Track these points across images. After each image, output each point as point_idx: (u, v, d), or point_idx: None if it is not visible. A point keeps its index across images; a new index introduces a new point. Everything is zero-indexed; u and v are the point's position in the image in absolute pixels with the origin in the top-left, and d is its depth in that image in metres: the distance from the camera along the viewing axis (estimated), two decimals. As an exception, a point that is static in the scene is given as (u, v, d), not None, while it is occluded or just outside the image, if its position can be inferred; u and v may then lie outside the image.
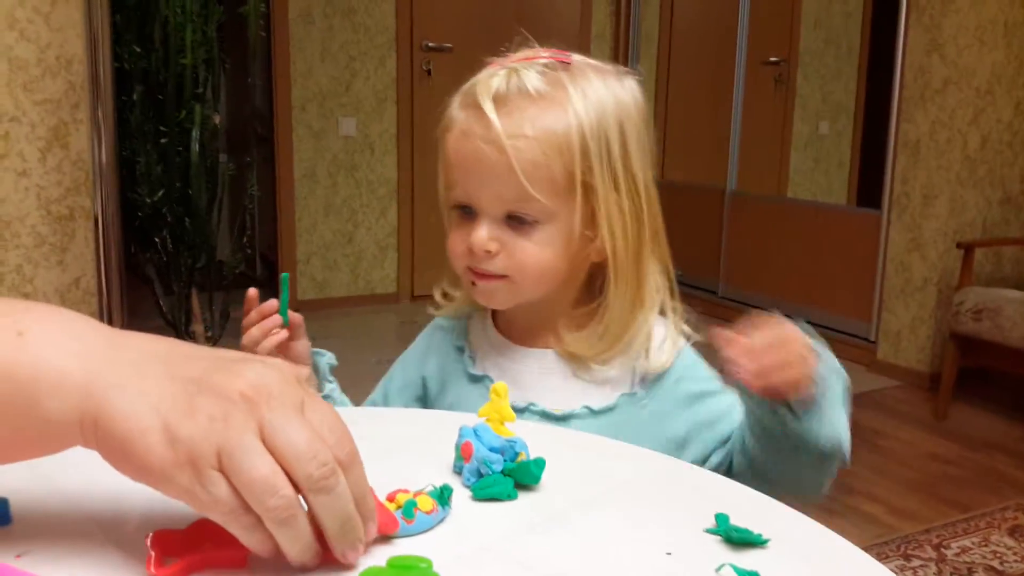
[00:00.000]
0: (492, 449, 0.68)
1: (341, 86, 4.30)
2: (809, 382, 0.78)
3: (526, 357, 0.94)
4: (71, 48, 2.02)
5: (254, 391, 0.49)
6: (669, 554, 0.59)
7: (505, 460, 0.68)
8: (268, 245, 4.60)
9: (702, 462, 0.91)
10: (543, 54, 0.89)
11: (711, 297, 4.55)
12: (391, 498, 0.60)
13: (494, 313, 0.98)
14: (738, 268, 4.46)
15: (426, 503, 0.60)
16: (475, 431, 0.70)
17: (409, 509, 0.59)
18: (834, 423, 0.81)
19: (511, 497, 0.66)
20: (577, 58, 0.90)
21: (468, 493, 0.67)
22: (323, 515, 0.50)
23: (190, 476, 0.48)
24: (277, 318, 0.92)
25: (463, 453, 0.69)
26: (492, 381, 0.93)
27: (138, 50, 2.29)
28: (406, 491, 0.61)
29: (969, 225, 3.45)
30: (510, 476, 0.67)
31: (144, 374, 0.50)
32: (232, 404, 0.49)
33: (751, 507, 0.67)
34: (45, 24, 2.00)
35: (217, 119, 2.29)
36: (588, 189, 0.87)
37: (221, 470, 0.48)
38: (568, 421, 0.90)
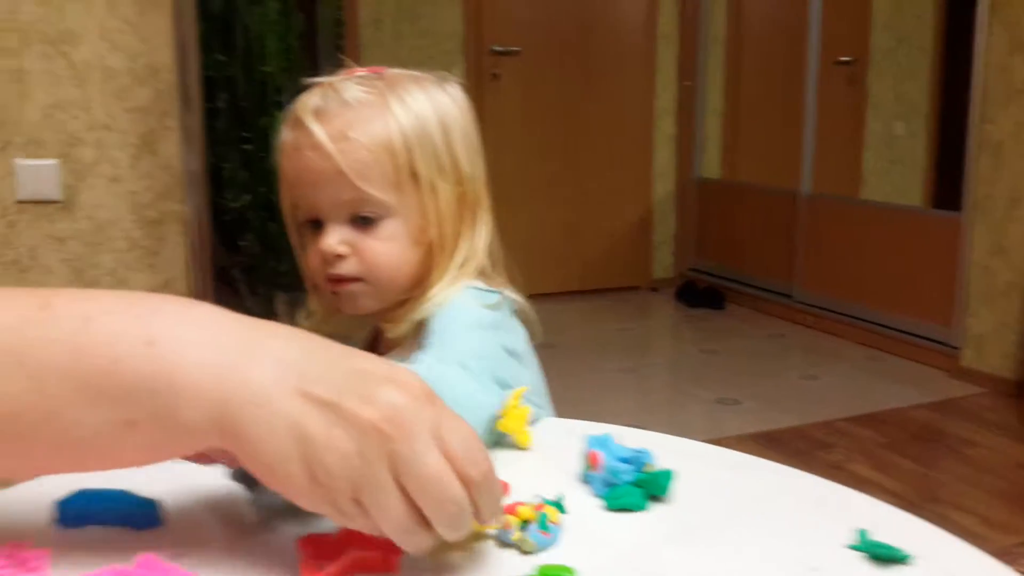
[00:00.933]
0: (620, 459, 0.68)
1: (411, 91, 4.33)
2: None
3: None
4: (159, 57, 2.07)
5: (387, 423, 0.49)
6: (815, 570, 0.58)
7: (634, 471, 0.67)
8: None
9: None
10: (359, 70, 0.94)
11: (786, 301, 4.48)
12: (511, 510, 0.60)
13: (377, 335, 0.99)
14: (813, 272, 4.38)
15: (553, 514, 0.60)
16: (601, 441, 0.70)
17: (544, 522, 0.59)
18: None
19: (642, 508, 0.65)
20: (393, 70, 0.95)
21: (597, 503, 0.66)
22: (444, 531, 0.52)
23: (330, 506, 0.50)
24: None
25: (591, 462, 0.69)
26: None
27: (222, 58, 2.33)
28: (523, 503, 0.60)
29: (1057, 227, 3.35)
30: (640, 487, 0.66)
31: (281, 388, 0.50)
32: (366, 438, 0.49)
33: (891, 523, 0.65)
34: (134, 34, 2.05)
35: (299, 126, 2.32)
36: (416, 180, 0.91)
37: (358, 501, 0.50)
38: None
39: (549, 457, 0.75)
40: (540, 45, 4.63)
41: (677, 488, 0.68)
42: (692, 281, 4.93)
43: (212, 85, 2.33)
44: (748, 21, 5.13)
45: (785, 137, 4.66)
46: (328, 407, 0.49)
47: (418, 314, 0.90)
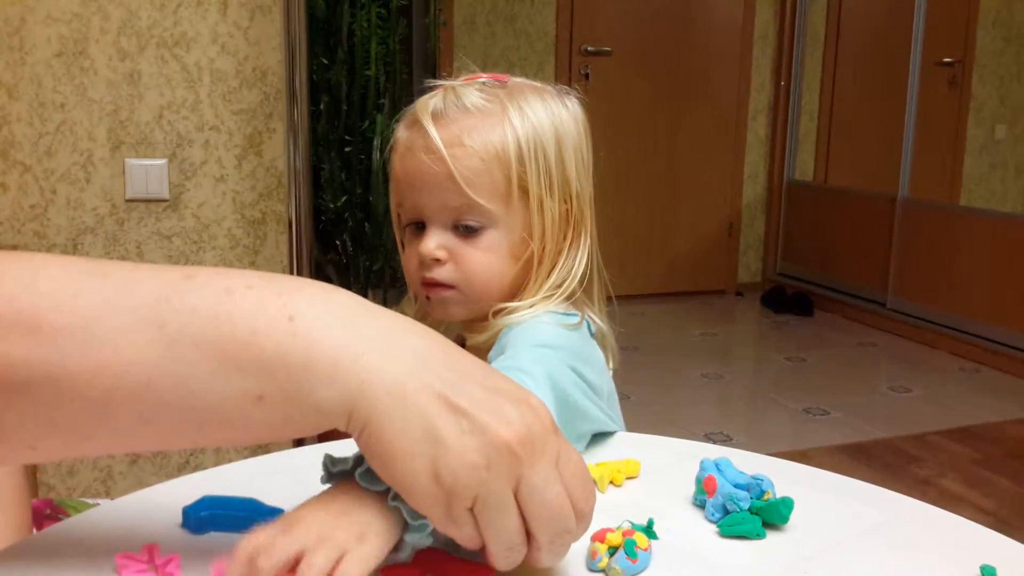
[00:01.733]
0: (737, 485, 0.68)
1: (502, 91, 4.36)
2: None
3: None
4: (266, 60, 2.13)
5: (520, 444, 0.50)
6: (940, 609, 0.57)
7: (752, 497, 0.67)
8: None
9: None
10: (482, 76, 0.94)
11: (879, 309, 4.37)
12: (599, 537, 0.60)
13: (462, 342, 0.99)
14: (908, 279, 4.26)
15: (643, 540, 0.60)
16: (716, 465, 0.70)
17: (631, 548, 0.59)
18: None
19: (760, 536, 0.65)
20: (516, 79, 0.95)
21: (712, 528, 0.67)
22: (541, 559, 0.53)
23: (443, 510, 0.50)
24: None
25: (705, 487, 0.69)
26: None
27: (325, 62, 2.39)
28: (611, 529, 0.61)
29: None
30: (758, 514, 0.66)
31: (419, 385, 0.50)
32: (498, 454, 0.49)
33: (1015, 559, 0.64)
34: (244, 38, 2.11)
35: (397, 128, 2.36)
36: (525, 194, 0.91)
37: (472, 511, 0.50)
38: None
39: (661, 479, 0.75)
40: (632, 45, 4.60)
41: (796, 517, 0.67)
42: (780, 286, 4.85)
43: (314, 88, 2.39)
44: (848, 20, 5.02)
45: (882, 140, 4.55)
46: (464, 415, 0.50)
47: (498, 326, 0.91)
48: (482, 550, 0.53)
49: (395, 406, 0.49)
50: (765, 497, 0.67)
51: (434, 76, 4.29)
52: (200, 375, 0.50)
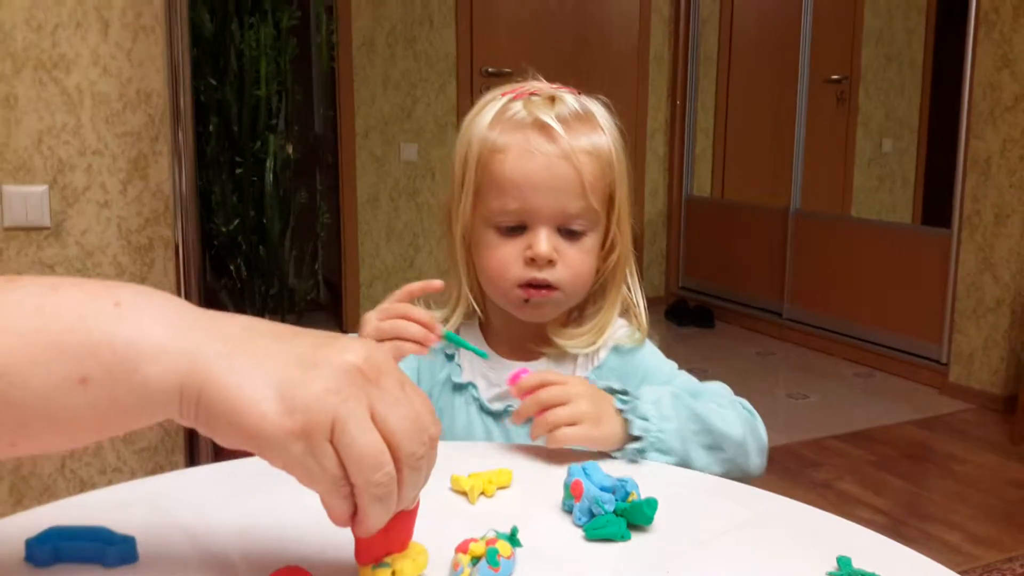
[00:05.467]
0: (603, 488, 0.68)
1: (403, 113, 4.35)
2: (603, 442, 0.82)
3: (510, 369, 0.96)
4: (151, 82, 2.08)
5: (367, 366, 0.50)
6: (793, 599, 0.58)
7: (617, 500, 0.67)
8: (331, 269, 4.66)
9: None
10: (553, 85, 0.97)
11: (776, 319, 4.49)
12: (463, 548, 0.60)
13: (483, 325, 1.02)
14: (803, 289, 4.40)
15: (505, 549, 0.60)
16: (584, 469, 0.70)
17: (493, 557, 0.59)
18: (688, 459, 0.85)
19: (624, 538, 0.66)
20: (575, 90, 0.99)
21: (579, 533, 0.67)
22: (406, 489, 0.52)
23: (304, 447, 0.49)
24: (439, 329, 0.90)
25: (573, 492, 0.69)
26: (476, 389, 0.98)
27: (214, 82, 2.34)
28: (475, 539, 0.61)
29: (1044, 244, 3.37)
30: (622, 516, 0.67)
31: (253, 345, 0.50)
32: (346, 375, 0.49)
33: (873, 550, 0.65)
34: (127, 60, 2.06)
35: (290, 149, 2.33)
36: (615, 202, 0.95)
37: (332, 442, 0.49)
38: None
39: (531, 487, 0.75)
40: (531, 65, 4.64)
41: (660, 517, 0.68)
42: (682, 299, 4.94)
43: (204, 109, 2.34)
44: (739, 41, 5.17)
45: (775, 155, 4.69)
46: (304, 356, 0.50)
47: (602, 337, 0.96)
48: (353, 518, 0.52)
49: (229, 366, 0.49)
50: (630, 499, 0.68)
51: (333, 97, 4.27)
52: (21, 363, 0.48)
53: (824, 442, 3.06)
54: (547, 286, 0.92)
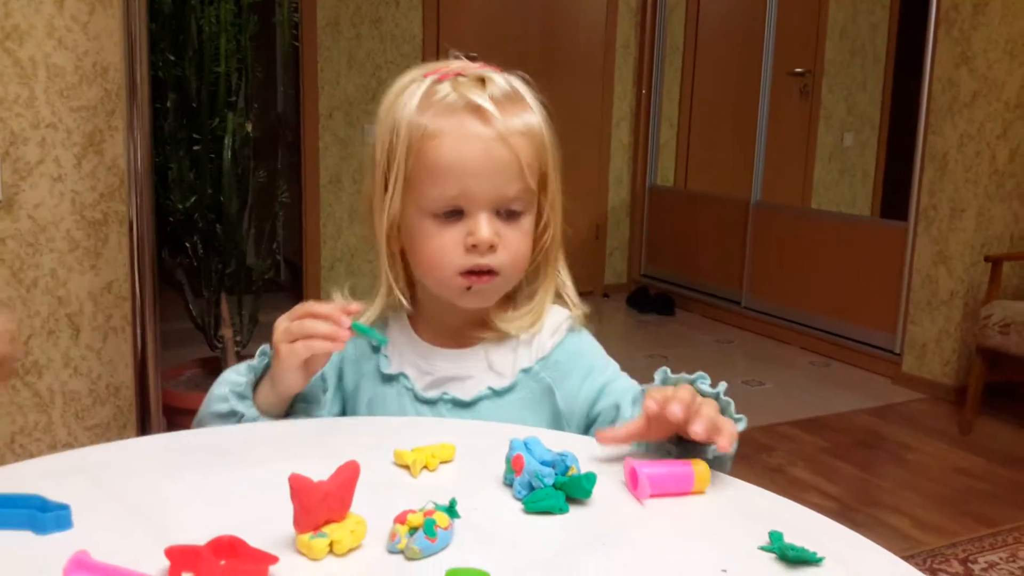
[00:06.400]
0: (543, 463, 0.69)
1: (367, 94, 4.32)
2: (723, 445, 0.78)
3: (444, 358, 0.97)
4: (108, 56, 2.04)
5: None
6: (724, 571, 0.59)
7: (556, 474, 0.68)
8: (293, 251, 4.63)
9: (586, 430, 0.95)
10: (476, 64, 0.94)
11: (735, 308, 4.54)
12: (401, 519, 0.61)
13: (411, 316, 0.99)
14: (762, 279, 4.44)
15: (443, 519, 0.61)
16: (526, 444, 0.71)
17: (430, 528, 0.60)
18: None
19: (563, 511, 0.67)
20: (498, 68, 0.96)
21: (518, 506, 0.68)
22: None
23: None
24: (346, 322, 0.85)
25: (514, 466, 0.70)
26: (407, 379, 0.96)
27: (172, 58, 2.31)
28: (413, 511, 0.61)
29: (997, 238, 3.43)
30: (561, 490, 0.67)
31: None
32: None
33: (805, 525, 0.67)
34: (83, 32, 2.02)
35: (249, 127, 2.30)
36: (547, 181, 0.94)
37: None
38: (477, 405, 0.94)
39: (474, 462, 0.76)
40: (498, 50, 4.62)
41: (599, 491, 0.69)
42: (644, 287, 4.97)
43: (162, 85, 2.31)
44: (705, 31, 5.20)
45: (738, 146, 4.73)
46: None
47: (541, 318, 0.96)
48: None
49: None
50: (569, 473, 0.68)
51: (296, 76, 4.23)
52: None
53: (778, 428, 3.10)
54: (489, 271, 0.90)
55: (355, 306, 0.88)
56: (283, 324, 0.87)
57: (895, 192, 4.53)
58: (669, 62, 5.14)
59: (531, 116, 0.91)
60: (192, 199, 2.25)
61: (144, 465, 0.72)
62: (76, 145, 2.04)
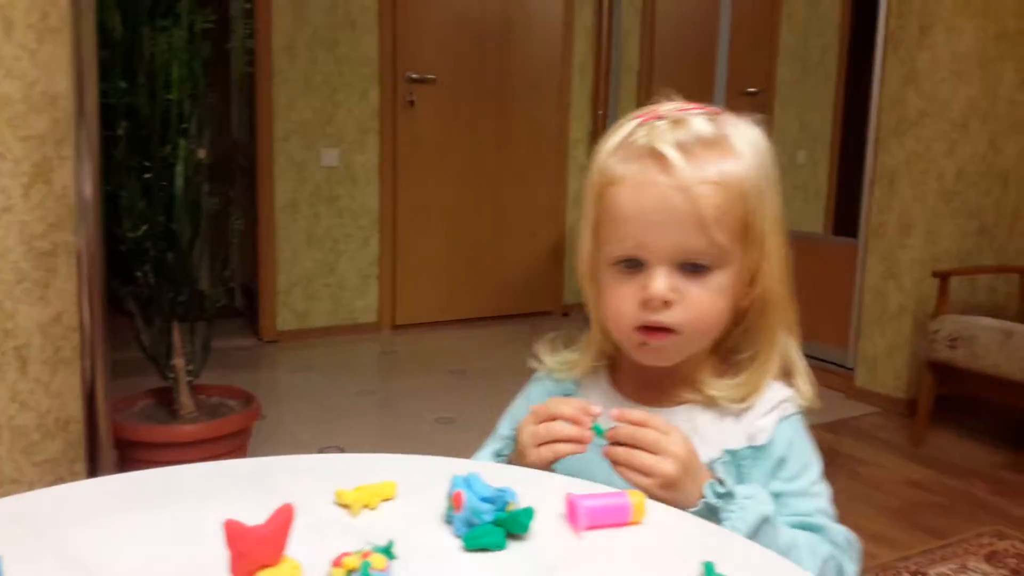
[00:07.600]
0: (483, 499, 0.69)
1: (324, 117, 4.32)
2: (664, 496, 0.78)
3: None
4: (57, 84, 2.03)
5: None
6: (657, 605, 0.60)
7: (496, 510, 0.69)
8: (248, 276, 4.59)
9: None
10: (691, 105, 0.90)
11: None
12: (337, 563, 0.61)
13: (612, 371, 0.96)
14: (718, 297, 4.49)
15: (379, 561, 0.61)
16: (467, 481, 0.71)
17: (366, 570, 0.60)
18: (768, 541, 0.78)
19: (500, 547, 0.67)
20: (717, 108, 0.91)
21: (458, 544, 0.68)
22: None
23: None
24: (589, 423, 0.82)
25: (454, 503, 0.70)
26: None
27: (124, 85, 2.30)
28: (349, 553, 0.61)
29: (944, 254, 3.51)
30: (500, 526, 0.68)
31: None
32: None
33: (740, 556, 0.68)
34: (31, 61, 2.00)
35: (202, 154, 2.29)
36: (754, 233, 0.87)
37: None
38: None
39: (416, 499, 0.76)
40: (456, 73, 4.66)
41: (538, 525, 0.70)
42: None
43: (113, 113, 2.29)
44: (660, 53, 5.26)
45: (692, 165, 4.78)
46: None
47: (755, 394, 0.88)
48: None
49: None
50: (509, 508, 0.69)
51: (251, 101, 4.22)
52: None
53: (735, 446, 3.13)
54: (663, 329, 0.84)
55: (596, 408, 0.83)
56: (529, 428, 0.84)
57: (846, 209, 4.61)
58: (624, 83, 5.20)
59: (731, 164, 0.85)
60: (143, 228, 2.23)
61: (82, 511, 0.72)
62: (24, 175, 2.02)
